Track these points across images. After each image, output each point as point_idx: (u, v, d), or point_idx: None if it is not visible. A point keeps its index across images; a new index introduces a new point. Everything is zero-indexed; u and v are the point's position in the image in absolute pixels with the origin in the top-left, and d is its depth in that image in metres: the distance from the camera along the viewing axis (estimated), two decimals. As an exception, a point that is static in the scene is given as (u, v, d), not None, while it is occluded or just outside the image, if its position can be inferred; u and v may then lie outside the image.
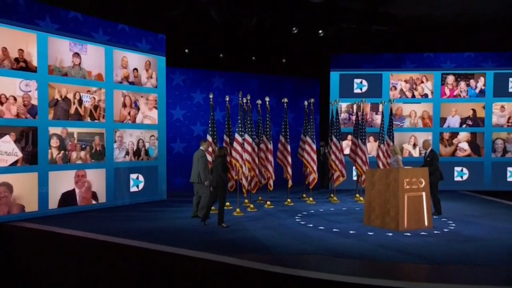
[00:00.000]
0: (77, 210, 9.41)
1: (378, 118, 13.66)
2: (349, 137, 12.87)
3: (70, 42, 9.40)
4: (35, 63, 8.76)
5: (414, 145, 14.02)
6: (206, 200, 8.43)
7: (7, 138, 8.33)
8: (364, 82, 14.13)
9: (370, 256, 5.89)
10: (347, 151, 12.26)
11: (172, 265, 5.83)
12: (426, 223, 7.75)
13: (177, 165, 13.32)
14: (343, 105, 14.11)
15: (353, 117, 13.22)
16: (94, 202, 9.83)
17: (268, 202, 10.21)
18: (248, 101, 9.92)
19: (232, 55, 13.76)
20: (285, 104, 10.88)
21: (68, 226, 7.93)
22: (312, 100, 11.26)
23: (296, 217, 8.74)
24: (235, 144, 9.34)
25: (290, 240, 6.83)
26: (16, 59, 8.49)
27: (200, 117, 13.71)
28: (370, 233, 7.30)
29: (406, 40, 13.74)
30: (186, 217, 8.85)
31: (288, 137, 10.81)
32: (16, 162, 8.46)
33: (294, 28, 11.10)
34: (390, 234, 7.24)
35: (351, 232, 7.41)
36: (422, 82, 14.05)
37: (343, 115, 14.11)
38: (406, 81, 14.08)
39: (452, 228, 7.81)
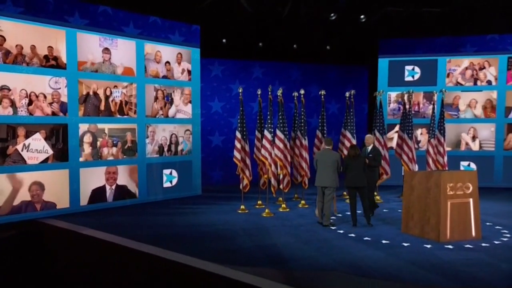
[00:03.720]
0: (108, 207, 9.45)
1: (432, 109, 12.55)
2: (397, 127, 11.95)
3: (100, 37, 9.34)
4: (64, 59, 8.78)
5: (474, 138, 12.76)
6: (330, 205, 7.88)
7: (37, 135, 8.45)
8: (417, 69, 13.03)
9: (397, 276, 5.23)
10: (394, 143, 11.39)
11: (175, 275, 5.54)
12: (473, 233, 6.87)
13: (216, 159, 13.11)
14: (393, 95, 13.13)
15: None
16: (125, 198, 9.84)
17: (303, 202, 9.68)
18: (280, 95, 9.33)
19: (272, 43, 13.19)
20: (322, 97, 10.20)
21: (96, 224, 7.92)
22: (353, 91, 10.48)
23: (330, 221, 8.13)
24: (264, 141, 8.88)
25: (313, 250, 6.30)
26: (46, 57, 8.54)
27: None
28: (405, 244, 6.57)
29: (465, 21, 12.37)
30: (211, 216, 8.57)
31: (325, 131, 10.15)
32: (47, 159, 8.57)
33: (332, 14, 10.29)
34: (429, 246, 6.46)
35: (384, 242, 6.72)
36: (485, 67, 12.67)
37: (392, 105, 13.14)
38: (466, 67, 12.78)
39: (505, 239, 6.86)
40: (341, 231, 7.40)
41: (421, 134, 12.88)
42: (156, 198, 10.37)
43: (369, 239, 6.89)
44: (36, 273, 7.48)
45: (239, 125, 9.19)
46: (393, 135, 12.51)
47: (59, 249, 7.75)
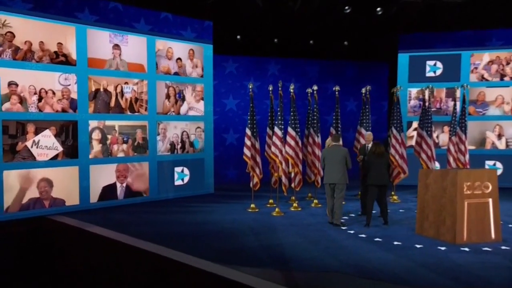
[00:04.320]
0: (118, 204, 9.43)
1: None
2: (416, 124, 11.56)
3: (110, 33, 9.33)
4: (74, 56, 8.80)
5: (500, 136, 12.21)
6: (341, 203, 7.55)
7: (47, 132, 8.49)
8: (439, 64, 12.57)
9: (405, 279, 4.94)
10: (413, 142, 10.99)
11: (173, 273, 5.41)
12: (493, 236, 6.49)
13: (230, 157, 12.97)
14: (413, 91, 12.71)
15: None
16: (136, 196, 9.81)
17: (316, 201, 9.43)
18: (292, 92, 9.13)
19: (288, 39, 12.99)
20: (336, 93, 9.94)
21: (103, 221, 7.88)
22: (369, 87, 10.18)
23: (341, 220, 7.86)
24: (274, 138, 8.68)
25: (319, 251, 6.07)
26: (55, 53, 8.57)
27: (254, 106, 13.11)
28: (418, 246, 6.26)
29: (490, 13, 11.83)
30: (219, 215, 8.43)
31: (339, 128, 9.89)
32: (56, 156, 8.60)
33: (346, 7, 9.98)
34: (443, 248, 6.14)
35: (395, 243, 6.42)
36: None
37: (413, 102, 12.72)
38: (491, 62, 12.25)
39: (528, 242, 6.46)
40: (352, 231, 7.13)
41: (443, 133, 12.42)
42: (167, 196, 10.31)
43: (380, 240, 6.61)
44: (43, 270, 7.50)
45: (249, 121, 9.02)
46: (413, 133, 12.10)
47: (66, 246, 7.76)
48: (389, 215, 8.21)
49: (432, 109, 12.71)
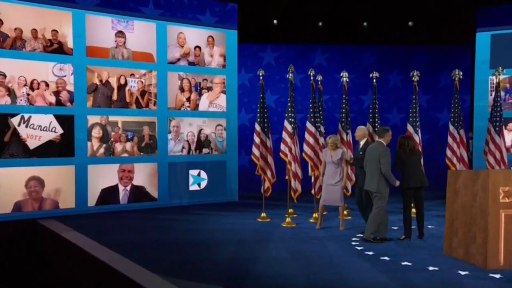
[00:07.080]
0: (119, 209, 9.48)
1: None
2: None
3: (112, 19, 9.51)
4: (70, 44, 9.09)
5: None
6: (379, 214, 6.60)
7: (42, 108, 8.74)
8: (532, 44, 11.03)
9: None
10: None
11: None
12: (545, 261, 5.32)
13: (267, 161, 12.54)
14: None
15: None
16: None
17: (345, 212, 8.63)
18: (312, 79, 8.59)
19: (335, 23, 12.31)
20: (374, 80, 9.16)
21: (89, 227, 7.92)
22: (417, 72, 9.16)
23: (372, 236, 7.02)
24: (284, 134, 8.15)
25: (298, 268, 5.45)
26: (49, 41, 8.90)
27: (297, 102, 12.55)
28: (431, 268, 5.33)
29: None
30: (221, 224, 8.09)
31: (378, 124, 9.02)
32: (51, 143, 8.82)
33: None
34: (464, 273, 5.15)
35: (404, 263, 5.54)
36: None
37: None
38: None
39: None
40: (360, 248, 6.36)
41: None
42: (180, 203, 10.18)
43: (387, 258, 5.77)
44: (27, 276, 7.74)
45: (258, 115, 8.61)
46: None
47: (49, 252, 7.95)
48: (429, 231, 7.29)
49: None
